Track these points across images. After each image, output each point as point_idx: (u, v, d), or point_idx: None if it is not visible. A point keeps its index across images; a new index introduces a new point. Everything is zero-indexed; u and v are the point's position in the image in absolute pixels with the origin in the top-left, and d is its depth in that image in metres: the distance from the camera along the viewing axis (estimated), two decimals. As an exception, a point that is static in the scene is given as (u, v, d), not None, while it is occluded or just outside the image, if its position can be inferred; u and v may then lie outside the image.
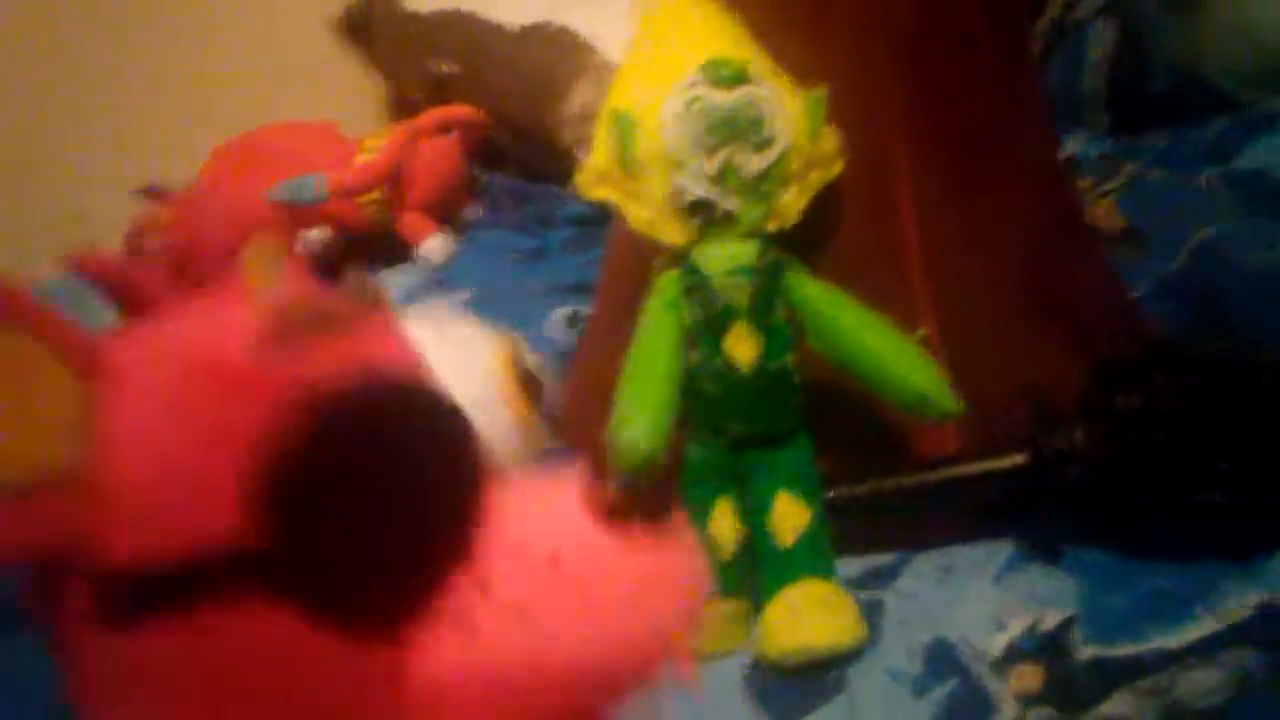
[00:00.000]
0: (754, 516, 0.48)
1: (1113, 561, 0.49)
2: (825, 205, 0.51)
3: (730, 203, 0.47)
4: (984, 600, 0.48)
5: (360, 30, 1.30)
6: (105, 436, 0.20)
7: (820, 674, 0.46)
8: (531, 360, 0.60)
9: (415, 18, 1.15)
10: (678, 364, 0.48)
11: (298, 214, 0.84)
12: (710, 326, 0.48)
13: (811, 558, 0.48)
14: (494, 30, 1.03)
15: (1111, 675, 0.43)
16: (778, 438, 0.49)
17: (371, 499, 0.22)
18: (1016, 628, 0.46)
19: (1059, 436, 0.49)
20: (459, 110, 0.94)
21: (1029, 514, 0.51)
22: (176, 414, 0.21)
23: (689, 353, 0.48)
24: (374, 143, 0.90)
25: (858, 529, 0.52)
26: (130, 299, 0.25)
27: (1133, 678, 0.42)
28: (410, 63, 1.17)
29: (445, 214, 0.93)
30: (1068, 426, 0.49)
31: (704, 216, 0.48)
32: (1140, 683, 0.42)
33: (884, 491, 0.51)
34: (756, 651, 0.47)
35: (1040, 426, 0.49)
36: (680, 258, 0.49)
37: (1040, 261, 0.57)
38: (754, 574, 0.49)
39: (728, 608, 0.48)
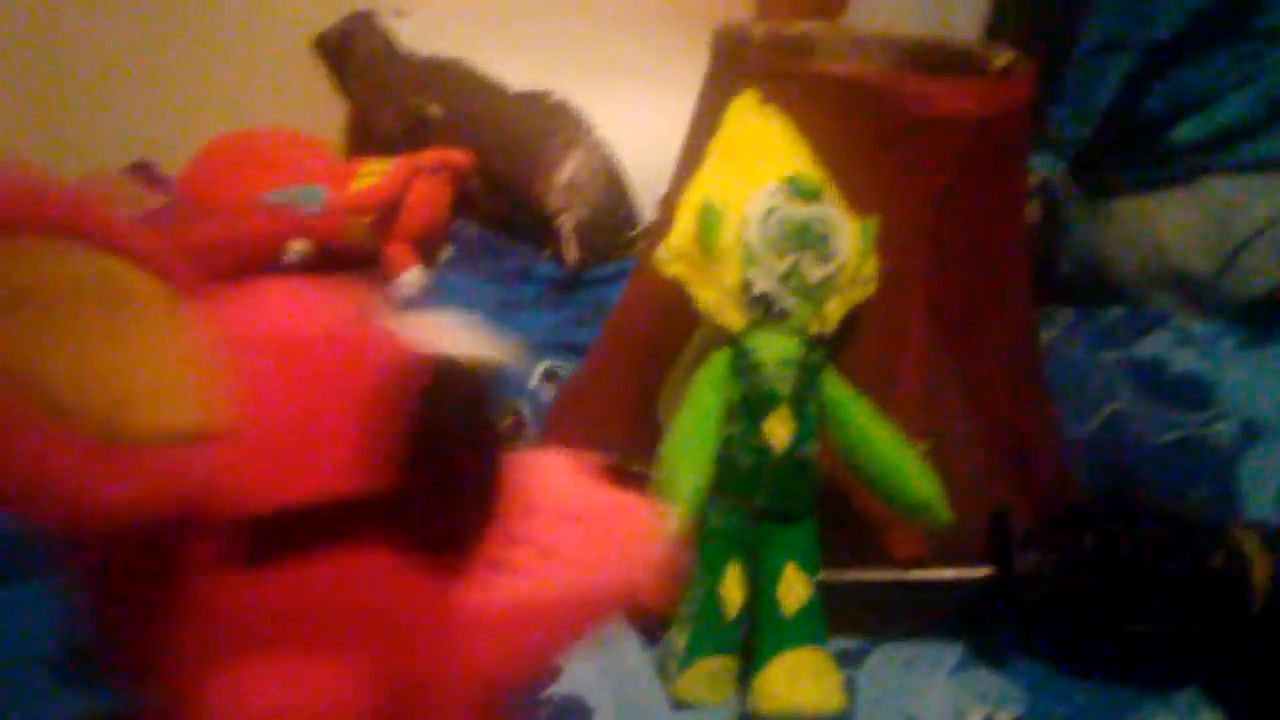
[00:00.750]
0: (762, 584, 0.53)
1: (1052, 675, 0.56)
2: (851, 319, 0.57)
3: (789, 302, 0.53)
4: (944, 692, 0.54)
5: (337, 53, 1.32)
6: (231, 392, 0.21)
7: (805, 735, 0.50)
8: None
9: (409, 57, 1.18)
10: (721, 435, 0.53)
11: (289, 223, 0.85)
12: (753, 406, 0.53)
13: (810, 628, 0.53)
14: (492, 88, 1.08)
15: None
16: (792, 515, 0.54)
17: (468, 456, 0.26)
18: (974, 718, 0.52)
19: (1025, 559, 0.56)
20: (456, 155, 0.97)
21: (982, 622, 0.58)
22: (301, 376, 0.24)
23: (727, 426, 0.54)
24: (372, 167, 0.92)
25: (832, 611, 0.57)
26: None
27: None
28: (390, 97, 1.19)
29: (424, 251, 0.95)
30: (1032, 551, 0.56)
31: (763, 309, 0.53)
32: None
33: (865, 581, 0.57)
34: (749, 705, 0.52)
35: (1006, 547, 0.57)
36: (731, 341, 0.54)
37: (1008, 413, 0.66)
38: (752, 636, 0.53)
39: (721, 663, 0.53)
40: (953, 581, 0.57)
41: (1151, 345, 0.95)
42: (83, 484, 0.18)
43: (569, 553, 0.29)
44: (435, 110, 1.10)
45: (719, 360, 0.54)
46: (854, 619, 0.58)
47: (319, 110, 1.34)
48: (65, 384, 0.18)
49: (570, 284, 0.97)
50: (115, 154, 1.10)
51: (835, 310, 0.55)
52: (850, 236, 0.55)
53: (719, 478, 0.53)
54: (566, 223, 0.98)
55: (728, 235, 0.53)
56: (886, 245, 0.57)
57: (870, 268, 0.56)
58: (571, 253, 0.98)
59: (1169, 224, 1.05)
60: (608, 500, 0.31)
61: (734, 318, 0.54)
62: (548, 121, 1.03)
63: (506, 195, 1.05)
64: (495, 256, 1.01)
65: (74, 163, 1.03)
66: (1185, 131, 1.07)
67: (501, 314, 0.91)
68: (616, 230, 1.00)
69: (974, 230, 0.62)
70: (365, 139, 1.25)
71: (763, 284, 0.53)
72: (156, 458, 0.20)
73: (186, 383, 0.21)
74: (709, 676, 0.52)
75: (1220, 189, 1.03)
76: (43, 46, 1.13)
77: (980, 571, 0.57)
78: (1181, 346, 0.94)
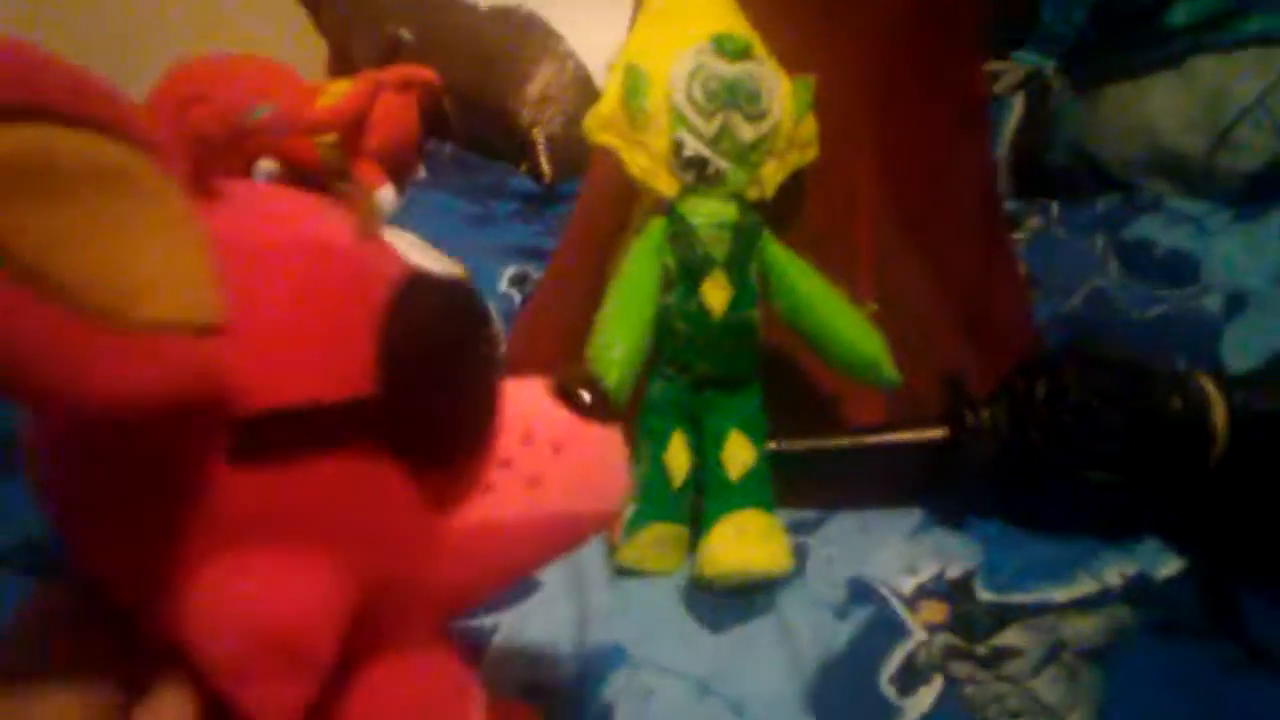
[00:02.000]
0: (706, 450, 0.53)
1: (1009, 531, 0.55)
2: (794, 187, 0.56)
3: (721, 164, 0.52)
4: (897, 551, 0.53)
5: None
6: (235, 288, 0.21)
7: (751, 595, 0.50)
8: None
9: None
10: (656, 302, 0.52)
11: (254, 144, 0.85)
12: (689, 272, 0.52)
13: (756, 492, 0.52)
14: (462, 7, 1.07)
15: (1005, 614, 0.48)
16: (735, 382, 0.53)
17: (466, 371, 0.26)
18: (925, 573, 0.52)
19: (976, 416, 0.55)
20: (420, 71, 0.97)
21: (939, 486, 0.57)
22: (308, 280, 0.23)
23: (664, 294, 0.53)
24: (336, 88, 0.91)
25: (786, 483, 0.57)
26: None
27: (1023, 618, 0.48)
28: (363, 26, 1.19)
29: (393, 171, 0.95)
30: (984, 408, 0.55)
31: (696, 173, 0.52)
32: (1030, 621, 0.48)
33: (816, 449, 0.57)
34: (695, 571, 0.51)
35: (959, 406, 0.56)
36: (666, 207, 0.53)
37: (970, 280, 0.64)
38: (699, 504, 0.53)
39: (670, 531, 0.52)
40: (907, 444, 0.56)
41: (1141, 227, 0.93)
42: (89, 368, 0.18)
43: (553, 482, 0.29)
44: (406, 34, 1.09)
45: (654, 228, 0.53)
46: (809, 491, 0.58)
47: (301, 52, 1.33)
48: (72, 270, 0.18)
49: (546, 198, 0.96)
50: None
51: (773, 174, 0.54)
52: (783, 95, 0.53)
53: (660, 346, 0.52)
54: (539, 136, 0.97)
55: (655, 98, 0.52)
56: (828, 106, 0.55)
57: (809, 129, 0.55)
58: (545, 166, 0.97)
59: (1159, 107, 1.02)
60: (587, 431, 0.31)
61: (667, 183, 0.53)
62: (518, 34, 1.02)
63: (480, 113, 1.04)
64: (469, 174, 1.01)
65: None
66: (1175, 16, 1.04)
67: (474, 229, 0.91)
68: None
69: (924, 83, 0.60)
70: (344, 74, 1.25)
71: (693, 146, 0.52)
72: (162, 346, 0.19)
73: (191, 276, 0.20)
74: (656, 543, 0.52)
75: (1209, 68, 1.00)
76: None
77: (934, 432, 0.56)
78: (1172, 226, 0.92)
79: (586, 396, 0.31)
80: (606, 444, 0.32)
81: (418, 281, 0.25)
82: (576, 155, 0.99)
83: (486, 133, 1.04)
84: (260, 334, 0.22)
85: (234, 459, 0.22)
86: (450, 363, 0.25)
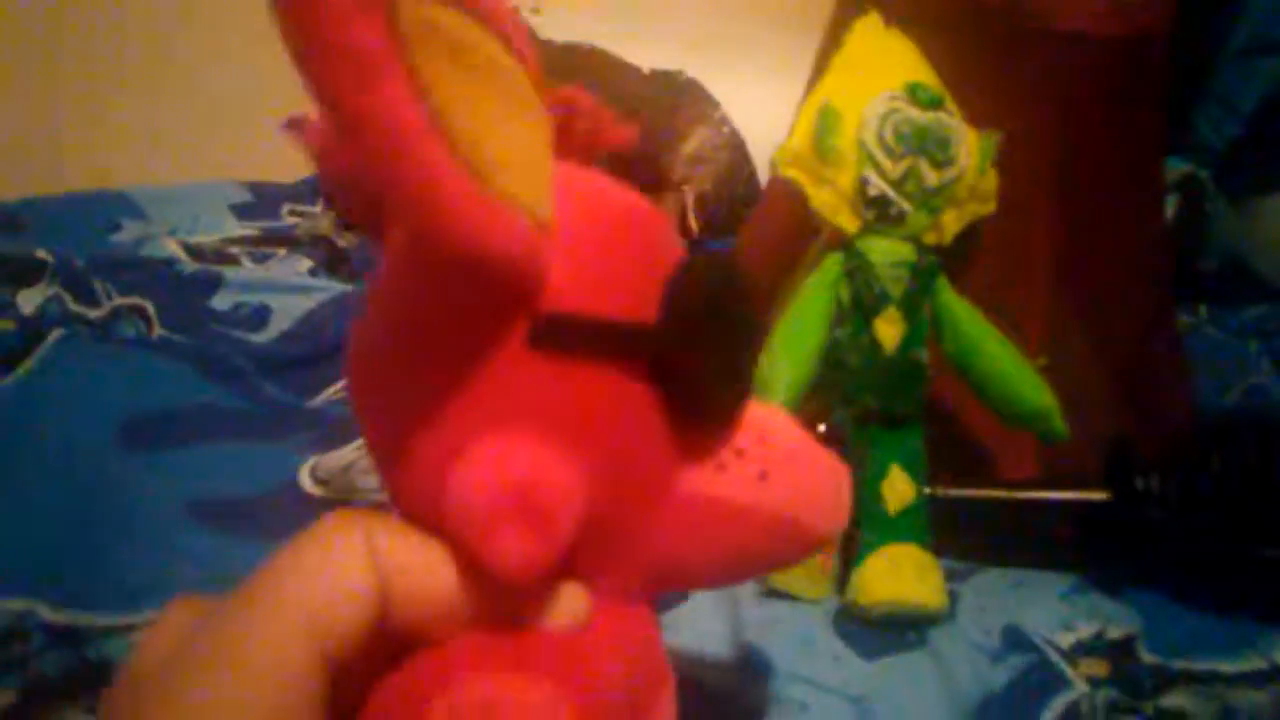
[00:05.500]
0: (867, 482, 0.53)
1: (1170, 604, 0.53)
2: (971, 238, 0.57)
3: (904, 205, 0.53)
4: (1053, 608, 0.52)
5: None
6: (566, 207, 0.24)
7: (903, 629, 0.50)
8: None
9: (548, 44, 1.23)
10: (825, 334, 0.53)
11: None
12: (863, 307, 0.53)
13: (914, 528, 0.52)
14: (626, 66, 1.11)
15: (1172, 678, 0.47)
16: (899, 418, 0.54)
17: (730, 337, 0.28)
18: (1084, 632, 0.50)
19: (1146, 481, 0.54)
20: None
21: (1095, 553, 0.56)
22: (626, 223, 0.27)
23: (836, 328, 0.54)
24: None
25: (938, 532, 0.56)
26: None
27: (1190, 684, 0.47)
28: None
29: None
30: (1153, 474, 0.54)
31: (878, 212, 0.53)
32: (1198, 687, 0.46)
33: (973, 499, 0.56)
34: (847, 598, 0.51)
35: (1127, 470, 0.55)
36: (844, 244, 0.55)
37: (1133, 353, 0.64)
38: (854, 534, 0.53)
39: (821, 559, 0.52)
40: (1066, 503, 0.56)
41: (1298, 337, 0.91)
42: (459, 214, 0.20)
43: (781, 482, 0.30)
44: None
45: (831, 263, 0.55)
46: (960, 542, 0.57)
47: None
48: (463, 129, 0.20)
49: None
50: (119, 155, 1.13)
51: (952, 222, 0.55)
52: (970, 147, 0.54)
53: (828, 379, 0.53)
54: (689, 192, 0.99)
55: (845, 137, 0.54)
56: (1011, 166, 0.56)
57: (990, 183, 0.56)
58: (693, 221, 0.99)
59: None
60: (819, 450, 0.32)
61: (849, 219, 0.54)
62: (678, 96, 1.05)
63: (633, 165, 1.07)
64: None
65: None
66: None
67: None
68: (737, 204, 1.02)
69: (1103, 156, 0.61)
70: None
71: (878, 185, 0.53)
72: (513, 219, 0.22)
73: (536, 173, 0.23)
74: (806, 569, 0.52)
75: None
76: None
77: (1097, 494, 0.55)
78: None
79: (821, 427, 0.32)
80: (834, 468, 0.33)
81: (708, 255, 0.28)
82: (721, 215, 1.02)
83: (636, 185, 1.07)
84: (581, 250, 0.25)
85: (530, 345, 0.24)
86: (718, 325, 0.27)
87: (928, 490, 0.54)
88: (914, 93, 0.54)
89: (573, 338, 0.24)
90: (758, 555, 0.31)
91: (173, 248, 0.87)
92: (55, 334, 0.66)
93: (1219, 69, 1.17)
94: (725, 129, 1.03)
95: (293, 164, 0.94)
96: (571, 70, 1.16)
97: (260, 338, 0.74)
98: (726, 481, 0.29)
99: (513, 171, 0.21)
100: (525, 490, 0.23)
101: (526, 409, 0.24)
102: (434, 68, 0.19)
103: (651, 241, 0.27)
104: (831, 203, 0.54)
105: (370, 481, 0.56)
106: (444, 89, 0.19)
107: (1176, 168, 1.20)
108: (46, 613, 0.44)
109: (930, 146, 0.53)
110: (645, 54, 1.13)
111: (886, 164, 0.53)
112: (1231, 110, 1.16)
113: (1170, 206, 1.14)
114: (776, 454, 0.30)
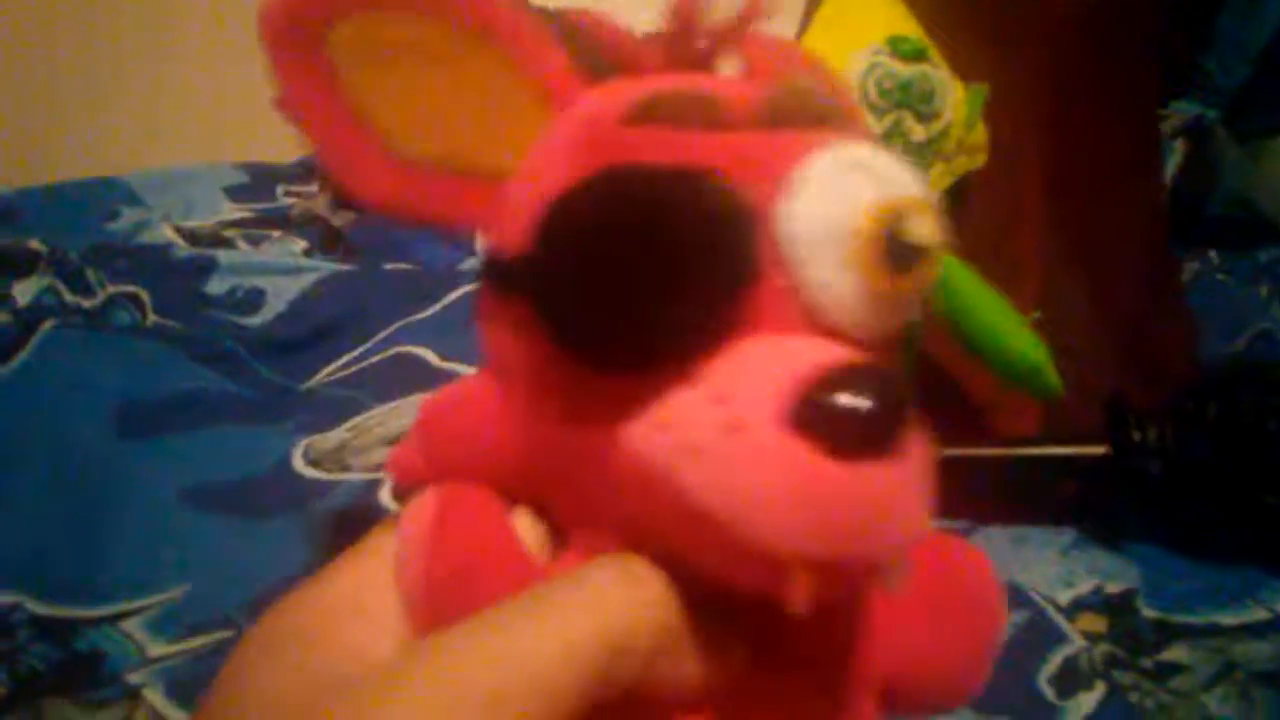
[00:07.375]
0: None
1: (1170, 556, 0.52)
2: (961, 193, 0.56)
3: (890, 162, 0.52)
4: (1052, 564, 0.52)
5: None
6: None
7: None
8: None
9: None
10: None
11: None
12: (851, 267, 0.52)
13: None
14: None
15: (1171, 632, 0.46)
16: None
17: (619, 270, 0.23)
18: (1082, 587, 0.50)
19: (1143, 433, 0.53)
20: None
21: (1095, 509, 0.55)
22: (562, 152, 0.24)
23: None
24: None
25: (936, 492, 0.55)
26: None
27: (1190, 637, 0.46)
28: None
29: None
30: (1150, 426, 0.53)
31: (863, 170, 0.52)
32: (1198, 640, 0.46)
33: (970, 458, 0.55)
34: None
35: (1124, 423, 0.54)
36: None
37: (1133, 306, 0.63)
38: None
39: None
40: (1065, 459, 0.55)
41: (1310, 279, 0.89)
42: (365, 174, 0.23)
43: (716, 463, 0.26)
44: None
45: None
46: (960, 502, 0.57)
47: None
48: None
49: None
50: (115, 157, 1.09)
51: (940, 177, 0.54)
52: (955, 99, 0.53)
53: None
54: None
55: (827, 94, 0.52)
56: (999, 117, 0.55)
57: (979, 136, 0.55)
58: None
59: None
60: (812, 456, 0.30)
61: (833, 179, 0.53)
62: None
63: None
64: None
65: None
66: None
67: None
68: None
69: (1095, 105, 0.59)
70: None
71: (863, 142, 0.52)
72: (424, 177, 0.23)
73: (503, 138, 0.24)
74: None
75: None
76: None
77: (1095, 448, 0.54)
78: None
79: None
80: (832, 476, 0.30)
81: (622, 168, 0.23)
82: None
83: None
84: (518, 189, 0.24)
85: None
86: (596, 254, 0.22)
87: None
88: (896, 46, 0.52)
89: (486, 278, 0.24)
90: (685, 546, 0.23)
91: (169, 233, 0.86)
92: (48, 324, 0.66)
93: (1227, 8, 1.15)
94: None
95: (289, 144, 0.93)
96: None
97: (254, 321, 0.74)
98: (657, 443, 0.22)
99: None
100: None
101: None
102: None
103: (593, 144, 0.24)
104: (816, 162, 0.53)
105: (361, 462, 0.56)
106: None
107: (1185, 110, 1.17)
108: (34, 606, 0.44)
109: (914, 100, 0.52)
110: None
111: (870, 120, 0.52)
112: (1240, 50, 1.14)
113: (1178, 151, 1.12)
114: (742, 434, 0.21)
